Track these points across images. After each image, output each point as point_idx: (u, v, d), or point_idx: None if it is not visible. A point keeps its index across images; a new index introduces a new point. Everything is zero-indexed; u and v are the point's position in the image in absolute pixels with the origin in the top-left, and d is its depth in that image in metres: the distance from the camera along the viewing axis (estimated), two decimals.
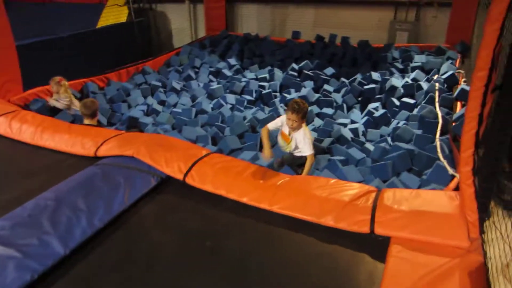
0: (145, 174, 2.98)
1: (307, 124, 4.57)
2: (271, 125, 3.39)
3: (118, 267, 2.18)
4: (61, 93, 4.69)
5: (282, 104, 5.02)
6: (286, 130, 3.36)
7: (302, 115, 3.19)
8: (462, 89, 4.32)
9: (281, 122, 3.38)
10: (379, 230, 2.28)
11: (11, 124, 3.79)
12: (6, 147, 3.64)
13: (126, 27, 8.37)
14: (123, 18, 8.43)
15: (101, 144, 3.37)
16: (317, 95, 5.18)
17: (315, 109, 4.84)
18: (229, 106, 5.06)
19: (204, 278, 2.09)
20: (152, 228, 2.52)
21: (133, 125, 4.57)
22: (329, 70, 5.96)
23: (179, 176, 2.93)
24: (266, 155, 3.18)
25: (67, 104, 4.72)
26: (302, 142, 3.27)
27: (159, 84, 5.89)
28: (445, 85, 4.80)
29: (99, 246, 2.33)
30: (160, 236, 2.44)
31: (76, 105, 4.72)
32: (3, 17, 4.26)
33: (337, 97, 5.18)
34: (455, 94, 4.43)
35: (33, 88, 4.83)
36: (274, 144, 3.72)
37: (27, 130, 3.69)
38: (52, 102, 4.71)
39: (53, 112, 4.56)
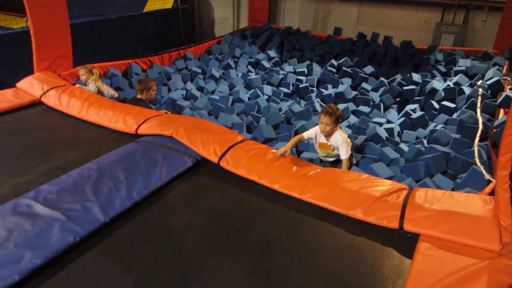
0: (182, 154, 3.10)
1: (342, 121, 4.57)
2: (306, 134, 3.28)
3: (153, 237, 2.30)
4: (89, 81, 4.61)
5: (318, 99, 5.03)
6: (323, 139, 3.28)
7: (335, 119, 3.10)
8: (507, 96, 4.18)
9: (315, 132, 3.28)
10: (408, 227, 2.28)
11: (60, 98, 4.04)
12: (55, 119, 3.88)
13: (171, 13, 8.56)
14: (169, 4, 8.63)
15: (142, 123, 3.53)
16: (354, 93, 5.15)
17: (351, 106, 4.82)
18: (266, 97, 5.12)
19: (231, 256, 2.17)
20: (186, 205, 2.63)
21: (172, 107, 4.73)
22: (369, 69, 5.90)
23: (214, 159, 3.03)
24: (280, 149, 3.05)
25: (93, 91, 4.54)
26: (340, 146, 3.21)
27: (199, 70, 6.03)
28: (489, 92, 4.65)
29: (136, 217, 2.47)
30: (193, 214, 2.55)
31: (107, 93, 4.73)
32: None
33: (375, 96, 5.13)
34: (499, 101, 4.29)
35: (82, 65, 5.05)
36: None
37: (74, 104, 3.92)
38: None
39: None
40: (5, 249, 2.03)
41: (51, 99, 4.10)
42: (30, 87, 4.32)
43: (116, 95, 4.74)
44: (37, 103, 4.19)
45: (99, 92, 4.66)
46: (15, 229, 2.17)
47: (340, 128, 3.67)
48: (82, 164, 2.89)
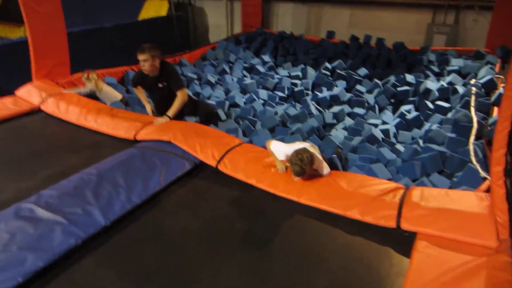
0: (180, 159, 3.13)
1: (338, 123, 4.62)
2: (280, 155, 2.89)
3: (153, 240, 2.33)
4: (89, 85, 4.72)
5: (313, 102, 5.07)
6: None
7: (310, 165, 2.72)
8: (500, 94, 4.24)
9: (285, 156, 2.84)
10: (405, 226, 2.31)
11: (59, 105, 4.08)
12: (54, 126, 3.92)
13: (166, 20, 8.62)
14: (163, 12, 8.69)
15: (141, 129, 3.56)
16: (349, 95, 5.20)
17: (346, 108, 4.87)
18: (261, 101, 5.16)
19: (229, 258, 2.20)
20: (184, 209, 2.66)
21: None
22: (363, 71, 5.95)
23: (212, 163, 3.06)
24: (278, 167, 2.93)
25: (87, 92, 4.67)
26: (320, 169, 2.85)
27: (195, 76, 6.06)
28: (483, 90, 4.69)
29: (136, 221, 2.50)
30: (192, 216, 2.58)
31: (109, 93, 4.78)
32: (57, 5, 4.55)
33: (370, 98, 5.18)
34: (493, 99, 4.35)
35: (79, 72, 5.08)
36: None
37: (73, 111, 3.95)
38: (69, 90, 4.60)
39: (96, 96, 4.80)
40: (8, 252, 2.07)
41: (50, 107, 4.13)
42: (29, 95, 4.36)
43: (120, 97, 4.79)
44: (36, 111, 4.22)
45: (97, 93, 4.69)
46: (18, 233, 2.20)
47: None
48: (82, 170, 2.92)
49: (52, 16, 4.51)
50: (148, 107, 4.19)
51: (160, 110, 4.07)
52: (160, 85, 3.96)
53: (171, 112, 3.82)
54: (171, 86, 3.92)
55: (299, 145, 2.85)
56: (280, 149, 2.89)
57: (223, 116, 4.48)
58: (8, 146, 3.49)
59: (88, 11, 8.42)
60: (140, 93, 4.24)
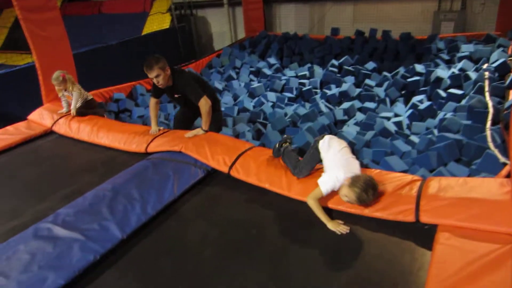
0: (193, 167, 3.13)
1: (349, 119, 4.57)
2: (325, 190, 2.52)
3: (170, 251, 2.33)
4: (71, 90, 4.32)
5: (323, 100, 5.03)
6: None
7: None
8: None
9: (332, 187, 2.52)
10: (424, 219, 2.24)
11: (71, 125, 4.15)
12: (67, 146, 3.98)
13: (169, 32, 8.72)
14: (166, 25, 8.79)
15: (151, 141, 3.58)
16: (358, 90, 5.15)
17: (356, 103, 4.82)
18: (270, 103, 5.15)
19: (248, 263, 2.18)
20: (199, 217, 2.65)
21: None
22: (370, 65, 5.89)
23: (224, 169, 3.05)
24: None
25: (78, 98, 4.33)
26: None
27: None
28: (496, 74, 4.58)
29: (152, 232, 2.50)
30: (207, 224, 2.56)
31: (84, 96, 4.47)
32: (61, 28, 4.65)
33: (379, 91, 5.12)
34: (507, 82, 4.23)
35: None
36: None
37: (84, 129, 4.01)
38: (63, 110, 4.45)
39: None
40: (29, 272, 2.09)
41: (62, 127, 4.21)
42: (41, 118, 4.45)
43: (90, 97, 4.55)
44: (49, 133, 4.30)
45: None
46: (38, 253, 2.22)
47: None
48: (97, 186, 2.95)
49: (56, 39, 4.61)
50: (154, 128, 3.77)
51: (188, 114, 4.08)
52: (176, 95, 3.73)
53: (204, 125, 3.57)
54: (190, 99, 3.61)
55: (343, 154, 2.64)
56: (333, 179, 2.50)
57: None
58: (24, 169, 3.55)
59: (95, 31, 8.59)
60: (154, 110, 3.83)
